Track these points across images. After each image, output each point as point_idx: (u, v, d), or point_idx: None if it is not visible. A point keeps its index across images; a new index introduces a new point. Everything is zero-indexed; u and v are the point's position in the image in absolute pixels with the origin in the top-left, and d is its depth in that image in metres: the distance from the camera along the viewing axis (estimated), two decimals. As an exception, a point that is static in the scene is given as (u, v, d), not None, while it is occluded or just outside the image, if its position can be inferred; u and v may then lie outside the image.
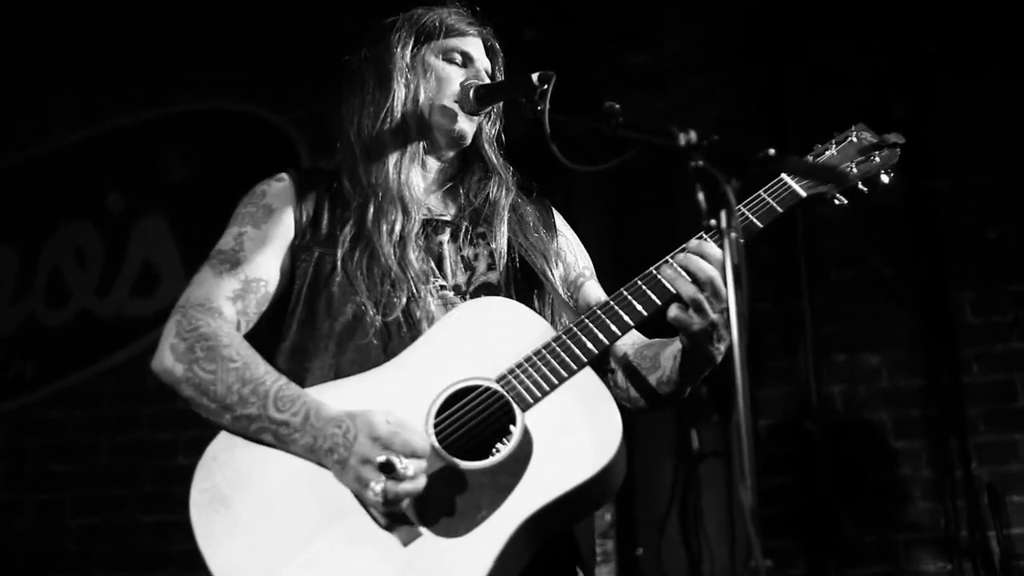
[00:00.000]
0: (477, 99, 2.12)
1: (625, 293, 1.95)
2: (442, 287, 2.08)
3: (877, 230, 4.19)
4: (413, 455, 1.74)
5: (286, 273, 2.08)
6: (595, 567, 2.07)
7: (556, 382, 1.87)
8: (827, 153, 2.14)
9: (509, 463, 1.79)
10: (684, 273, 1.89)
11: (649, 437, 4.04)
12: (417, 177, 2.15)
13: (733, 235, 1.46)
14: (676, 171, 1.57)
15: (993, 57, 4.17)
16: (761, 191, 2.03)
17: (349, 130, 2.19)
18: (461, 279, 2.11)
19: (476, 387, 1.88)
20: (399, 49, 2.17)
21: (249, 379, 1.86)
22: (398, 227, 2.06)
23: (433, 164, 2.22)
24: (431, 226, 2.14)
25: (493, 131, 2.27)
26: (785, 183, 2.04)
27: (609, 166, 1.79)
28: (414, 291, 2.02)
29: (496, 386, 1.87)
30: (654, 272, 1.95)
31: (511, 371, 1.88)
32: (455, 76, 2.17)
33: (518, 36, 4.14)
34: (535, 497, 1.76)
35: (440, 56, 2.18)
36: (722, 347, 1.93)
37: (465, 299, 2.07)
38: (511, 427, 1.84)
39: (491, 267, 2.14)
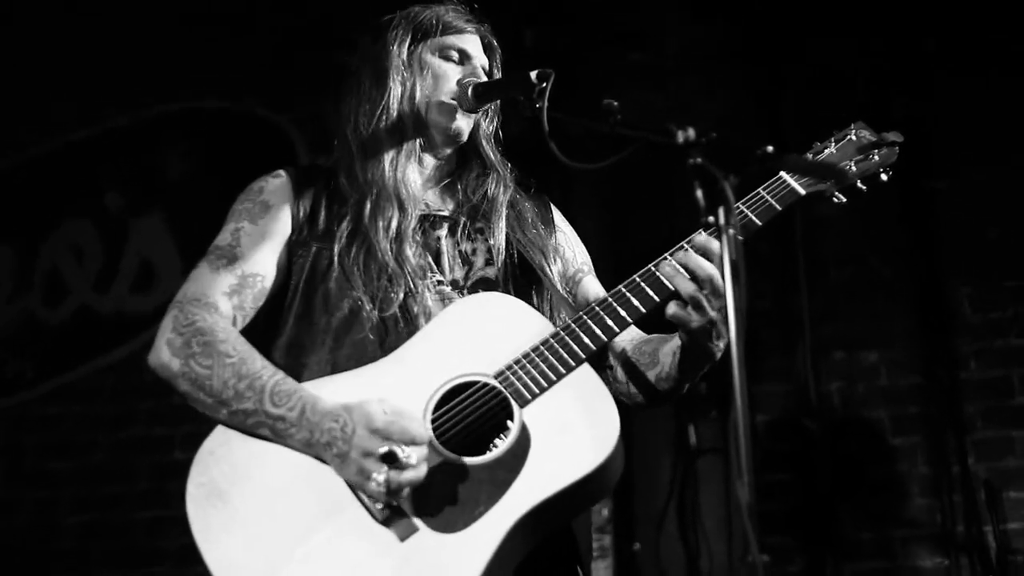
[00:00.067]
0: (475, 97, 2.12)
1: (623, 290, 1.95)
2: (439, 282, 2.08)
3: (876, 228, 4.19)
4: (413, 442, 1.75)
5: (283, 269, 2.08)
6: (591, 562, 2.07)
7: (554, 378, 1.87)
8: (826, 151, 2.15)
9: (507, 459, 1.80)
10: (683, 271, 1.90)
11: (647, 433, 4.04)
12: (414, 174, 2.16)
13: (731, 232, 1.46)
14: (674, 169, 1.57)
15: (993, 57, 4.18)
16: (760, 189, 2.04)
17: (346, 128, 2.19)
18: (459, 274, 2.11)
19: (474, 383, 1.88)
20: (396, 47, 2.17)
21: (245, 374, 1.86)
22: (394, 224, 2.06)
23: (430, 161, 2.22)
24: (429, 221, 2.14)
25: (491, 128, 2.27)
26: (784, 181, 2.05)
27: (607, 164, 1.79)
28: (411, 286, 2.02)
29: (494, 382, 1.87)
30: (653, 269, 1.95)
31: (509, 367, 1.88)
32: (452, 73, 2.17)
33: (518, 37, 4.14)
34: (533, 493, 1.76)
35: (437, 53, 2.19)
36: (721, 344, 1.93)
37: (462, 294, 2.07)
38: (509, 423, 1.84)
39: (489, 262, 2.14)
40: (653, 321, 2.00)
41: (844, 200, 2.13)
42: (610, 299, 1.95)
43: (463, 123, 2.17)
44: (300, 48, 4.56)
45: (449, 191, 2.24)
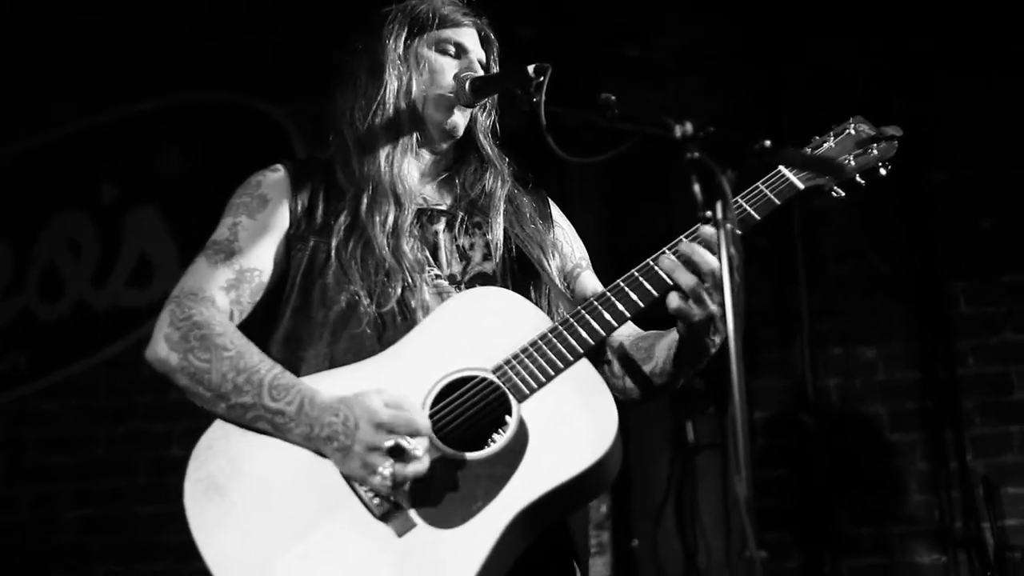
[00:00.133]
0: (473, 91, 2.12)
1: (622, 284, 1.95)
2: (437, 276, 2.08)
3: (874, 224, 4.20)
4: (417, 434, 1.75)
5: (281, 262, 2.08)
6: (589, 558, 2.08)
7: (552, 373, 1.87)
8: (825, 145, 2.15)
9: (505, 454, 1.80)
10: (684, 264, 1.89)
11: (645, 429, 4.04)
12: (411, 168, 2.16)
13: (729, 227, 1.46)
14: (672, 163, 1.57)
15: (993, 57, 4.18)
16: (759, 183, 2.03)
17: (342, 122, 2.19)
18: (456, 268, 2.11)
19: (472, 377, 1.88)
20: (391, 41, 2.17)
21: (243, 368, 1.86)
22: (391, 218, 2.06)
23: (427, 155, 2.22)
24: (426, 216, 2.14)
25: (488, 122, 2.26)
26: (783, 175, 2.04)
27: (605, 158, 1.78)
28: (409, 281, 2.02)
29: (492, 376, 1.87)
30: (651, 263, 1.95)
31: (507, 362, 1.88)
32: (448, 67, 2.16)
33: (517, 37, 4.13)
34: (531, 488, 1.76)
35: (433, 47, 2.18)
36: (718, 339, 1.94)
37: (460, 289, 2.07)
38: (507, 418, 1.84)
39: (487, 257, 2.13)
40: (651, 317, 2.00)
41: (843, 194, 2.13)
42: (608, 294, 1.95)
43: (460, 117, 2.17)
44: (300, 48, 4.55)
45: (447, 185, 2.23)
